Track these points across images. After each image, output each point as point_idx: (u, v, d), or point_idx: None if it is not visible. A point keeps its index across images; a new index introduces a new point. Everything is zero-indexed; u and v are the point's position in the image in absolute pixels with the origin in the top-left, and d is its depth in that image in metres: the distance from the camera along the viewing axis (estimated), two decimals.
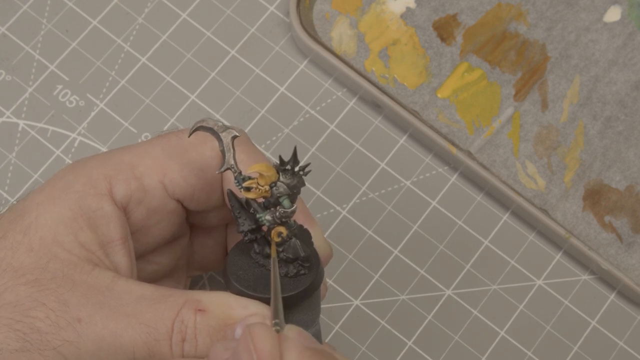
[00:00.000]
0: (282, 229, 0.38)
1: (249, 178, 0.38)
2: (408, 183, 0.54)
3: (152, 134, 0.53)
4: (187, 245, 0.46)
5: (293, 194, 0.38)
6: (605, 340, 0.52)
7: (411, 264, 0.53)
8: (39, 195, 0.39)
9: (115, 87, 0.55)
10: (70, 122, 0.54)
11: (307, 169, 0.38)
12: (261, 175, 0.37)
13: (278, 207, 0.38)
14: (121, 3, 0.57)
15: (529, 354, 0.52)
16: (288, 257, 0.39)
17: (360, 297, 0.52)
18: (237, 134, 0.39)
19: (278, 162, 0.38)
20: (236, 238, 0.44)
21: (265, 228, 0.40)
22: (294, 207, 0.38)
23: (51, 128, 0.54)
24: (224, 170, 0.39)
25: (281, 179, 0.38)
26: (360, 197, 0.54)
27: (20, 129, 0.54)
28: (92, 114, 0.55)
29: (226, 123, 0.40)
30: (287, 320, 0.39)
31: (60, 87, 0.55)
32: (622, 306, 0.53)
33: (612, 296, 0.53)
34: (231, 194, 0.40)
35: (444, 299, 0.53)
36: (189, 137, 0.40)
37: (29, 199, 0.39)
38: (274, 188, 0.38)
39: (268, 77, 0.56)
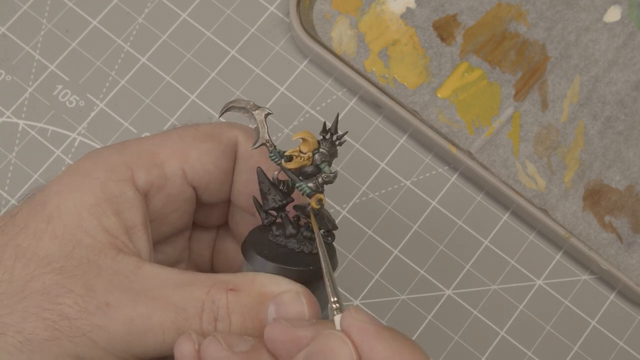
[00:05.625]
0: (321, 196, 0.39)
1: (284, 152, 0.39)
2: (408, 183, 0.54)
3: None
4: (188, 240, 0.46)
5: (331, 160, 0.39)
6: (605, 340, 0.52)
7: (411, 264, 0.53)
8: (57, 184, 0.39)
9: (115, 87, 0.55)
10: (70, 122, 0.54)
11: (342, 139, 0.39)
12: (305, 141, 0.38)
13: (321, 174, 0.39)
14: (121, 3, 0.57)
15: (529, 354, 0.52)
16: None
17: (361, 297, 0.52)
18: (270, 112, 0.40)
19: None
20: (227, 238, 0.45)
21: (290, 208, 0.40)
22: (335, 171, 0.39)
23: (51, 128, 0.54)
24: (259, 146, 0.40)
25: (321, 146, 0.39)
26: (360, 197, 0.54)
27: (20, 129, 0.54)
28: (92, 114, 0.55)
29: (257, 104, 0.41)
30: (322, 294, 0.39)
31: (60, 87, 0.55)
32: (622, 306, 0.53)
33: (612, 296, 0.53)
34: (261, 171, 0.40)
35: (444, 299, 0.53)
36: (219, 117, 0.41)
37: (47, 189, 0.39)
38: (317, 155, 0.39)
39: (268, 77, 0.56)
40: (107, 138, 0.54)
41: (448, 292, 0.53)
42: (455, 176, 0.55)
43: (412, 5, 0.57)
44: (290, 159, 0.39)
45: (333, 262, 0.40)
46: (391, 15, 0.57)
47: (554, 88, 0.56)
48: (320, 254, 0.37)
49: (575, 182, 0.54)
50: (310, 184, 0.39)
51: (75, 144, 0.54)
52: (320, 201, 0.39)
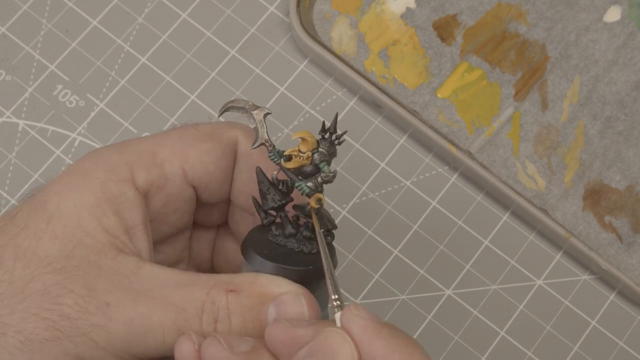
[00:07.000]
0: (321, 196, 0.39)
1: (283, 152, 0.39)
2: (408, 183, 0.54)
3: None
4: (188, 239, 0.46)
5: (330, 160, 0.39)
6: (605, 340, 0.52)
7: (411, 264, 0.53)
8: (58, 184, 0.39)
9: (115, 87, 0.55)
10: (70, 122, 0.54)
11: (341, 139, 0.39)
12: (304, 140, 0.39)
13: (320, 174, 0.39)
14: (121, 3, 0.57)
15: (529, 354, 0.52)
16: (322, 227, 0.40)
17: (361, 297, 0.52)
18: (269, 111, 0.40)
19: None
20: (227, 237, 0.45)
21: (289, 208, 0.40)
22: (334, 171, 0.39)
23: (51, 128, 0.54)
24: (259, 146, 0.40)
25: (320, 145, 0.39)
26: (360, 197, 0.54)
27: (20, 129, 0.54)
28: (92, 114, 0.55)
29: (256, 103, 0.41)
30: (321, 295, 0.39)
31: (60, 87, 0.55)
32: (622, 306, 0.53)
33: (612, 296, 0.53)
34: (260, 170, 0.40)
35: (444, 299, 0.53)
36: (218, 117, 0.41)
37: (47, 189, 0.39)
38: (316, 154, 0.39)
39: (268, 77, 0.56)
40: (107, 138, 0.54)
41: (448, 292, 0.53)
42: (455, 176, 0.55)
43: (412, 5, 0.57)
44: (289, 158, 0.39)
45: (333, 261, 0.40)
46: (391, 15, 0.57)
47: (554, 88, 0.56)
48: (322, 250, 0.37)
49: (575, 182, 0.54)
50: (310, 184, 0.39)
51: (75, 144, 0.54)
52: (319, 201, 0.39)
